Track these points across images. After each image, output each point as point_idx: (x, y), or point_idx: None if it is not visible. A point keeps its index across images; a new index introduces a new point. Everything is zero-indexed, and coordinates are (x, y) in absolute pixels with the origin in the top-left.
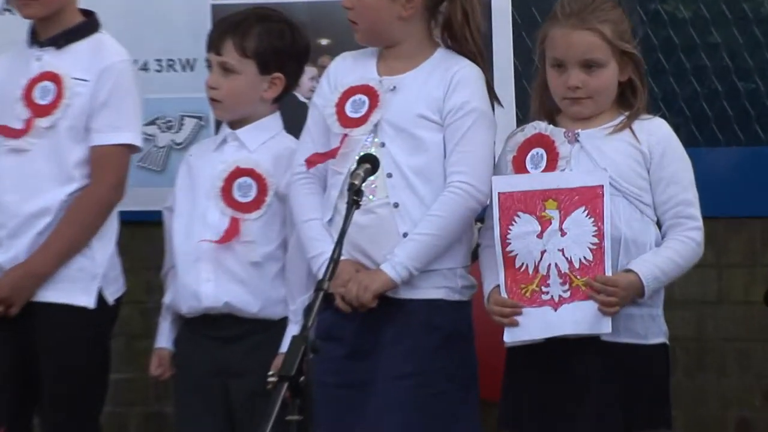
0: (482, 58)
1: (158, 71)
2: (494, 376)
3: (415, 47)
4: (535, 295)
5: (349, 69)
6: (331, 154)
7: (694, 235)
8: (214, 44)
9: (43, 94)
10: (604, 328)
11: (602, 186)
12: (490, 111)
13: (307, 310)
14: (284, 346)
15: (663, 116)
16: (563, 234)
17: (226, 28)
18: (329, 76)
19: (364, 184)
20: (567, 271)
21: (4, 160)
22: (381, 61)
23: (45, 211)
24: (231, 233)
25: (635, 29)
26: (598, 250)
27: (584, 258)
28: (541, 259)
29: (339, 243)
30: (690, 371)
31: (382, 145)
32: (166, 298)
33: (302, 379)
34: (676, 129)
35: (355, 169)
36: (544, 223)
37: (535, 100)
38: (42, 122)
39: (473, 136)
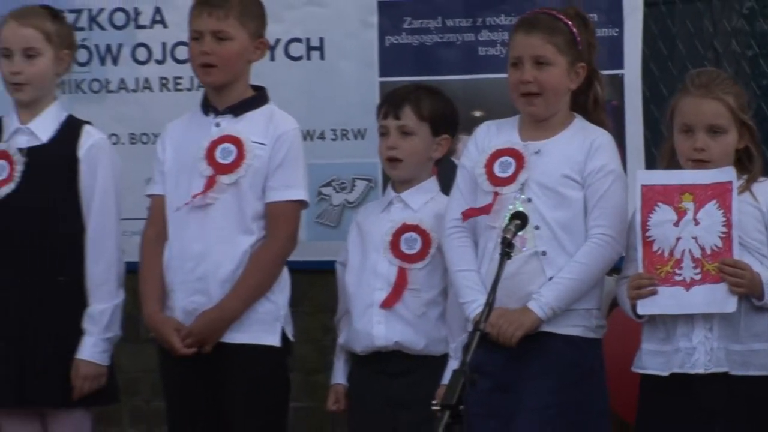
0: (609, 130)
1: (333, 139)
2: (628, 401)
3: (559, 117)
4: (669, 275)
5: (494, 135)
6: (485, 210)
7: None
8: (392, 111)
9: (224, 155)
10: (730, 307)
11: (731, 182)
12: (624, 174)
13: (465, 348)
14: (445, 379)
15: None
16: (697, 223)
17: (403, 96)
18: (477, 141)
19: (514, 238)
20: (699, 256)
21: (190, 213)
22: (522, 128)
23: (229, 259)
24: (400, 284)
25: (750, 102)
26: (726, 238)
27: (715, 246)
28: (676, 245)
29: (494, 289)
30: None
31: (529, 200)
32: (340, 339)
33: (462, 407)
34: None
35: (507, 224)
36: (680, 213)
37: (662, 163)
38: (225, 179)
39: (612, 195)
